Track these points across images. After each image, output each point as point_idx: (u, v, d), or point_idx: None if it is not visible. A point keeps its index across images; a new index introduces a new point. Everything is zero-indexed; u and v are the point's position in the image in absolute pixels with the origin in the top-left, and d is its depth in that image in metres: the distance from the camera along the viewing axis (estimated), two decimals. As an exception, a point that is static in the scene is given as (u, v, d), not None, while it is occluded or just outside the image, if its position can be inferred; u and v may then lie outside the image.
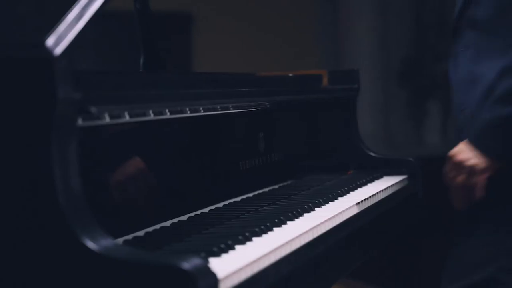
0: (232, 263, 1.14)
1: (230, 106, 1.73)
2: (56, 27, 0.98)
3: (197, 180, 1.64)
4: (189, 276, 0.96)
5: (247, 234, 1.30)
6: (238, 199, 1.74)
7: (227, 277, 1.08)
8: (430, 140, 5.66)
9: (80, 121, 1.12)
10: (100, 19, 1.03)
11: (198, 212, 1.58)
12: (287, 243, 1.29)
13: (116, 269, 0.99)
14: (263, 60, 5.61)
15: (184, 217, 1.53)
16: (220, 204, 1.67)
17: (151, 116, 1.39)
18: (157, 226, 1.45)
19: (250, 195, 1.79)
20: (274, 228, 1.39)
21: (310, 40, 5.86)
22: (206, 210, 1.61)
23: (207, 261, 1.14)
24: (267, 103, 1.89)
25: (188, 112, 1.55)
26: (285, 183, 1.97)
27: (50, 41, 0.97)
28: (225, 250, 1.21)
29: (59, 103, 0.99)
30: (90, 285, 1.00)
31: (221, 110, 1.69)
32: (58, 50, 0.97)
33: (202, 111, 1.60)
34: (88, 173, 1.28)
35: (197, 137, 1.66)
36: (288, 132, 2.04)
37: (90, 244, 0.99)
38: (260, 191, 1.83)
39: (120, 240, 1.32)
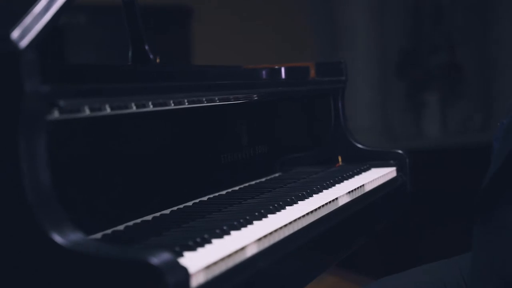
0: (206, 257, 1.13)
1: (216, 99, 1.72)
2: (22, 19, 0.97)
3: (182, 174, 1.63)
4: (156, 271, 0.95)
5: (225, 227, 1.29)
6: (223, 192, 1.73)
7: (199, 271, 1.07)
8: (429, 131, 5.65)
9: (56, 114, 1.12)
10: (68, 11, 1.01)
11: (181, 206, 1.57)
12: (265, 236, 1.28)
13: (84, 264, 0.98)
14: (260, 53, 5.60)
15: (167, 211, 1.52)
16: (205, 198, 1.66)
17: (134, 109, 1.38)
18: (138, 220, 1.44)
19: (236, 188, 1.78)
20: (254, 222, 1.38)
21: (306, 32, 5.84)
22: (190, 203, 1.60)
23: (181, 255, 1.13)
24: (254, 96, 1.87)
25: (172, 104, 1.54)
26: (272, 176, 1.96)
27: (15, 34, 0.95)
28: (201, 244, 1.20)
29: (26, 97, 0.97)
30: (59, 281, 0.99)
31: (206, 103, 1.68)
32: (24, 43, 0.96)
33: (187, 103, 1.59)
34: (67, 167, 1.28)
35: (184, 130, 1.65)
36: (276, 125, 2.03)
37: (58, 239, 0.98)
38: (246, 184, 1.82)
39: (99, 235, 1.31)
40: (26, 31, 0.97)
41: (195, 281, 1.06)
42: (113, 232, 1.34)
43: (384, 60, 5.49)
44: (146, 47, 2.05)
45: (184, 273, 1.01)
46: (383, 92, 5.50)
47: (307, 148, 2.11)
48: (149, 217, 1.47)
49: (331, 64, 2.07)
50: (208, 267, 1.10)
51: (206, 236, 1.22)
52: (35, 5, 0.99)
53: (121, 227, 1.37)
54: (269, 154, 1.97)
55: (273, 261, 1.27)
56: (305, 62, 2.07)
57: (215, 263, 1.12)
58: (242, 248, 1.21)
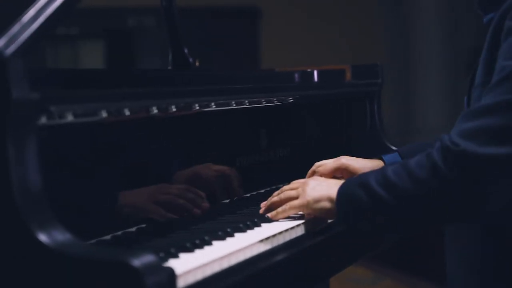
0: (201, 259, 1.14)
1: (246, 102, 1.73)
2: (9, 28, 1.00)
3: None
4: (136, 272, 0.97)
5: (229, 230, 1.30)
6: (248, 195, 1.73)
7: (187, 272, 1.09)
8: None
9: (71, 117, 1.15)
10: (59, 20, 1.04)
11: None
12: (267, 239, 1.28)
13: (69, 265, 1.01)
14: (328, 54, 5.58)
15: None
16: (227, 200, 1.67)
17: (155, 112, 1.40)
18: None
19: (262, 190, 1.78)
20: (262, 224, 1.38)
21: (376, 33, 5.79)
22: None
23: (176, 257, 1.15)
24: (289, 98, 1.87)
25: (197, 107, 1.56)
26: (304, 179, 1.95)
27: (1, 42, 0.99)
28: (200, 246, 1.21)
29: (14, 104, 1.01)
30: (45, 280, 1.02)
31: (235, 106, 1.69)
32: (9, 51, 0.99)
33: (214, 106, 1.60)
34: (82, 170, 1.32)
35: (210, 133, 1.67)
36: (312, 128, 2.02)
37: (44, 240, 1.01)
38: (273, 187, 1.82)
39: (108, 236, 1.33)
40: (12, 40, 1.00)
41: (183, 281, 1.07)
42: (124, 233, 1.36)
43: (455, 60, 5.39)
44: (186, 51, 2.08)
45: (167, 275, 1.03)
46: (453, 92, 5.41)
47: (343, 151, 2.09)
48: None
49: (367, 66, 2.05)
50: (198, 268, 1.11)
51: (206, 238, 1.24)
52: (24, 14, 1.02)
53: (133, 229, 1.40)
54: (305, 157, 1.97)
55: (273, 264, 1.26)
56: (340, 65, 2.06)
57: (206, 265, 1.13)
58: (240, 250, 1.21)
